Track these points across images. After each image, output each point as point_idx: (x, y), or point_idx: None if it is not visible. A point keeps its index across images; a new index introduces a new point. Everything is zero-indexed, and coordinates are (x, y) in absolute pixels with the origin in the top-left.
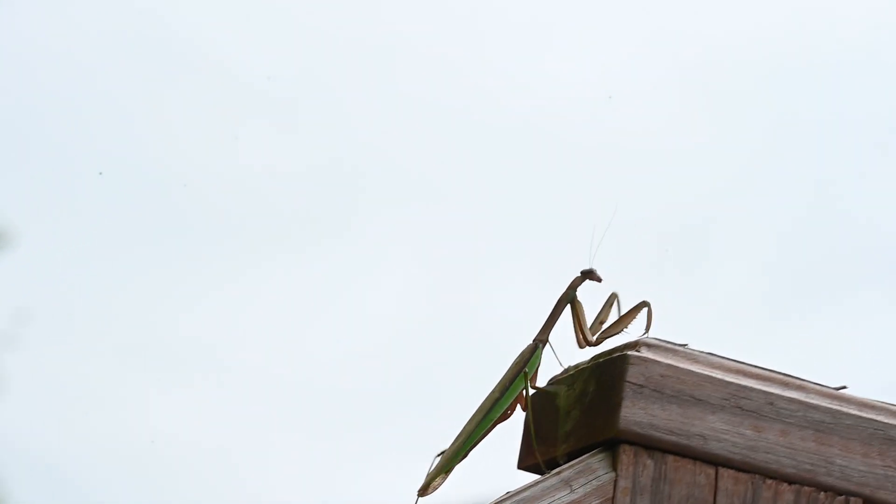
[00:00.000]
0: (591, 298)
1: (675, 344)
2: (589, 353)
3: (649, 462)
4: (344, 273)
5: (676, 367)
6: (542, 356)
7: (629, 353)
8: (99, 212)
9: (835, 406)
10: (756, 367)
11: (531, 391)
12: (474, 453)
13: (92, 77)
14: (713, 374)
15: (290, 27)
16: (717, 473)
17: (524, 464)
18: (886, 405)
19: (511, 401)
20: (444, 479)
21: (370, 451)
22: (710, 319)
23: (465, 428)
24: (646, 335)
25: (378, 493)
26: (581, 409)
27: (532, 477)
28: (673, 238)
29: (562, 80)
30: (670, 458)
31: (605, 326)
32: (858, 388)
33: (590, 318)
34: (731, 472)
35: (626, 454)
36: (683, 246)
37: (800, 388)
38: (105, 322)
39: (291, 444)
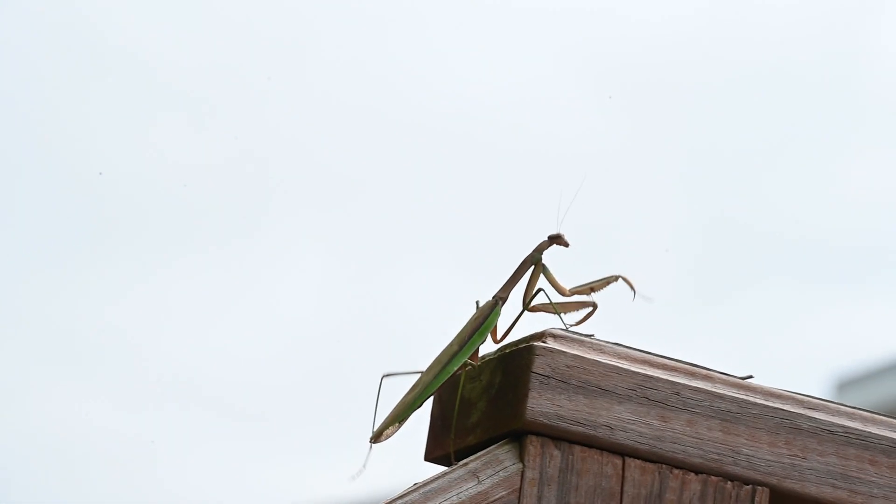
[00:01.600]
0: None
1: (582, 335)
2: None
3: (556, 453)
4: (257, 268)
5: (583, 358)
6: (501, 313)
7: (535, 343)
8: (9, 207)
9: (741, 395)
10: (662, 357)
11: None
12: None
13: (5, 71)
14: (619, 365)
15: (202, 24)
16: (624, 463)
17: (431, 455)
18: (792, 394)
19: (469, 355)
20: (398, 428)
21: (285, 444)
22: (617, 310)
23: (421, 378)
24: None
25: (292, 485)
26: (488, 400)
27: (439, 468)
28: (584, 230)
29: (468, 78)
30: (577, 448)
31: (571, 292)
32: (764, 378)
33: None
34: (638, 462)
35: (533, 445)
36: (594, 240)
37: (706, 377)
38: (16, 316)
39: (207, 437)
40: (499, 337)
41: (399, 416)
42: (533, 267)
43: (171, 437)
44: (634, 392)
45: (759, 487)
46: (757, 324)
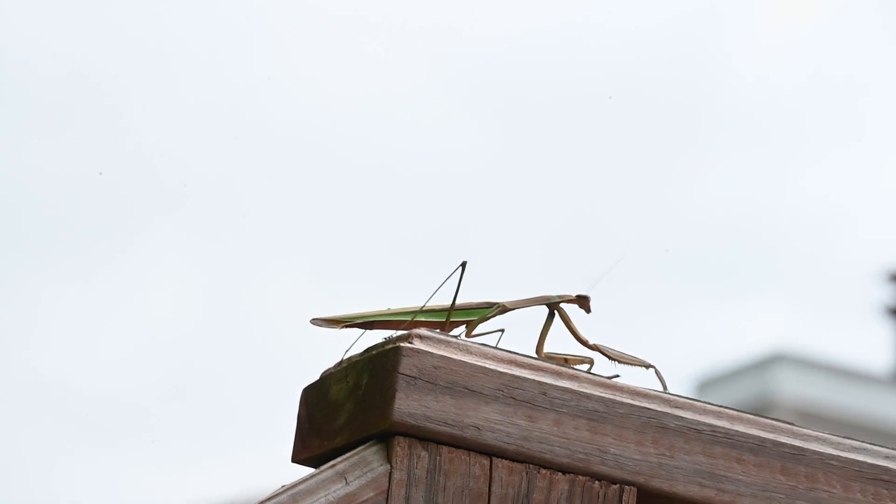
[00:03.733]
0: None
1: (449, 335)
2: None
3: (424, 454)
4: (123, 281)
5: (450, 359)
6: (494, 319)
7: (402, 344)
8: None
9: (608, 395)
10: (529, 357)
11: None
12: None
13: None
14: (486, 365)
15: (61, 29)
16: (491, 464)
17: (298, 457)
18: (659, 393)
19: (434, 319)
20: (334, 326)
21: (155, 451)
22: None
23: (380, 311)
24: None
25: (162, 490)
26: (355, 401)
27: (307, 470)
28: (436, 236)
29: (329, 89)
30: (445, 449)
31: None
32: (630, 378)
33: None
34: (506, 462)
35: (400, 446)
36: (447, 245)
37: (573, 377)
38: None
39: (74, 446)
40: (472, 332)
41: (345, 319)
42: (550, 312)
43: (37, 448)
44: (501, 392)
45: (627, 486)
46: (622, 325)
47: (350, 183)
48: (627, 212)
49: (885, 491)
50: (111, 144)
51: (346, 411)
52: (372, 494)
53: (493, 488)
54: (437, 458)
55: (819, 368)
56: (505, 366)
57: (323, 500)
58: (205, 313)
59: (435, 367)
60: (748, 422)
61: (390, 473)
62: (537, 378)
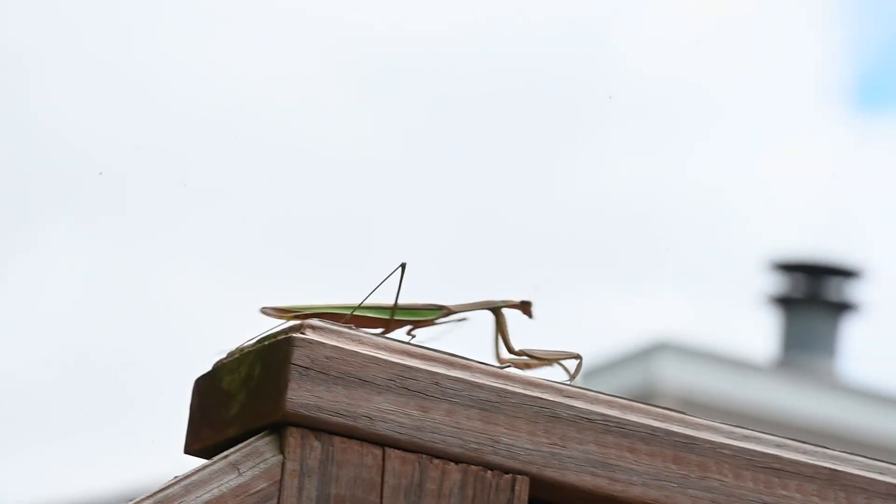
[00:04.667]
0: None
1: (341, 326)
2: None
3: (317, 444)
4: (22, 278)
5: (342, 349)
6: (436, 324)
7: (294, 335)
8: None
9: (500, 385)
10: (421, 347)
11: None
12: None
13: None
14: (378, 355)
15: None
16: (384, 454)
17: (190, 448)
18: (551, 383)
19: (380, 316)
20: (283, 316)
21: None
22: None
23: (330, 304)
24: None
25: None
26: (247, 392)
27: (199, 462)
28: (330, 225)
29: (230, 73)
30: (337, 439)
31: (530, 353)
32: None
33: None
34: (399, 452)
35: (293, 437)
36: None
37: (465, 367)
38: None
39: None
40: (416, 332)
41: (294, 309)
42: (494, 315)
43: None
44: (394, 382)
45: (519, 476)
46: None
47: (259, 169)
48: (520, 200)
49: (777, 479)
50: (14, 127)
51: (239, 402)
52: (265, 485)
53: (385, 478)
54: (330, 448)
55: (703, 357)
56: (397, 356)
57: (216, 490)
58: (101, 302)
59: (327, 358)
60: (640, 411)
61: (283, 464)
62: (430, 368)
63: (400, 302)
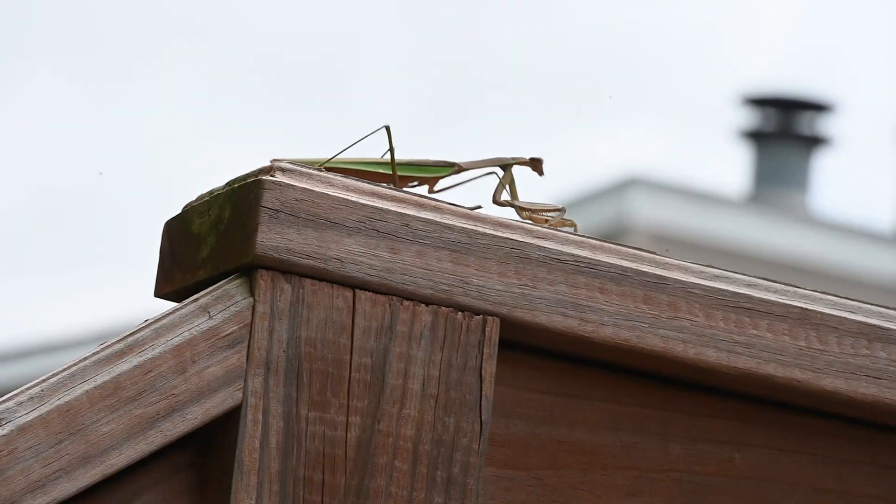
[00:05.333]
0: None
1: (310, 168)
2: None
3: (287, 287)
4: (2, 121)
5: (311, 191)
6: (449, 179)
7: (264, 177)
8: None
9: (470, 226)
10: (391, 188)
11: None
12: None
13: None
14: (348, 197)
15: None
16: (354, 296)
17: (161, 292)
18: (521, 224)
19: (385, 172)
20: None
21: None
22: (347, 139)
23: (341, 158)
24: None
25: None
26: (217, 234)
27: (170, 305)
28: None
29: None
30: (308, 282)
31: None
32: (492, 209)
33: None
34: (369, 294)
35: (263, 279)
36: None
37: (435, 208)
38: None
39: None
40: (433, 189)
41: (314, 162)
42: (504, 171)
43: None
44: (364, 224)
45: (490, 317)
46: (486, 144)
47: (240, 14)
48: (500, 35)
49: (748, 319)
50: None
51: (209, 245)
52: (235, 328)
53: (356, 320)
54: (301, 291)
55: (674, 192)
56: (367, 198)
57: (186, 334)
58: (77, 143)
59: (297, 200)
60: (610, 251)
61: (254, 307)
62: (400, 210)
63: (411, 158)
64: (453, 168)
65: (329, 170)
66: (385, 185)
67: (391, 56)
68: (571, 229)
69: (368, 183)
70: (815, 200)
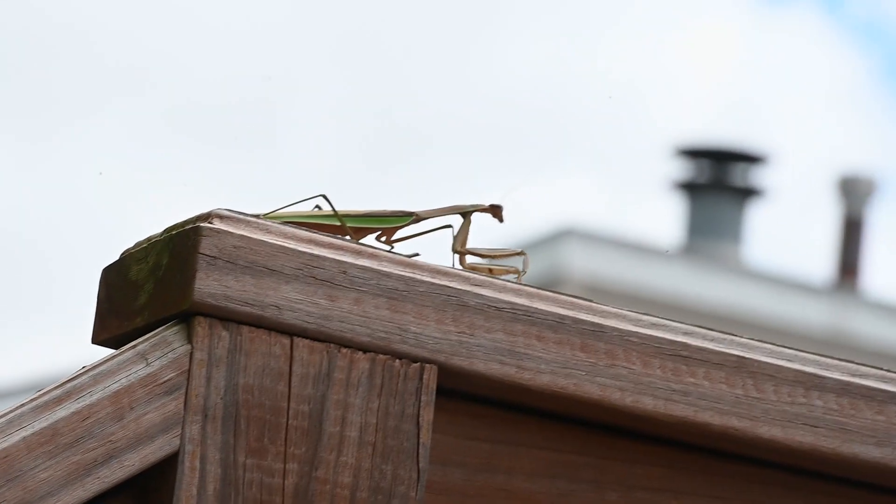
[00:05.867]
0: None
1: (248, 215)
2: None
3: (225, 334)
4: None
5: (249, 238)
6: (407, 228)
7: (202, 224)
8: None
9: (407, 273)
10: (329, 236)
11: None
12: None
13: None
14: (286, 245)
15: None
16: (292, 343)
17: (98, 338)
18: (459, 271)
19: (356, 224)
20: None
21: None
22: (283, 188)
23: (302, 212)
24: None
25: None
26: (155, 281)
27: (108, 351)
28: (236, 112)
29: None
30: (246, 329)
31: (482, 254)
32: (429, 255)
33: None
34: (307, 341)
35: (201, 326)
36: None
37: (372, 256)
38: None
39: None
40: (392, 238)
41: (278, 217)
42: (463, 219)
43: None
44: (301, 271)
45: (428, 365)
46: (419, 196)
47: (173, 58)
48: (432, 87)
49: (685, 367)
50: None
51: (147, 291)
52: (173, 375)
53: (294, 367)
54: (238, 337)
55: (609, 243)
56: (305, 245)
57: (124, 380)
58: (17, 189)
59: (235, 247)
60: (547, 299)
61: (191, 354)
62: (337, 257)
63: (369, 209)
64: (412, 217)
65: (291, 223)
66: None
67: (325, 104)
68: (522, 258)
69: (306, 230)
70: (747, 251)
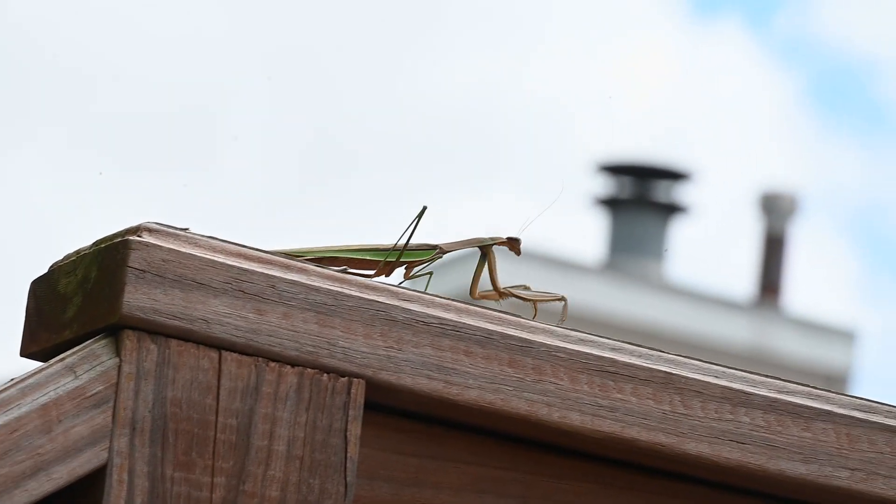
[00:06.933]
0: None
1: (177, 228)
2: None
3: (153, 347)
4: None
5: (178, 252)
6: (434, 264)
7: (130, 238)
8: None
9: (336, 287)
10: (258, 250)
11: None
12: None
13: None
14: (215, 258)
15: None
16: (220, 357)
17: (27, 351)
18: (387, 286)
19: (377, 258)
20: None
21: None
22: (218, 205)
23: (328, 247)
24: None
25: None
26: (84, 294)
27: (36, 364)
28: (177, 123)
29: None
30: (174, 342)
31: (518, 292)
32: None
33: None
34: (235, 355)
35: (129, 340)
36: (188, 136)
37: (301, 270)
38: None
39: None
40: (411, 273)
41: (303, 253)
42: (483, 253)
43: None
44: (230, 285)
45: (355, 379)
46: (350, 213)
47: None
48: (363, 105)
49: (612, 382)
50: None
51: (76, 304)
52: (101, 388)
53: (222, 381)
54: (167, 351)
55: (531, 259)
56: (233, 259)
57: (52, 393)
58: None
59: (164, 261)
60: (476, 314)
61: (119, 367)
62: (266, 271)
63: (394, 242)
64: (436, 251)
65: (315, 260)
66: (273, 251)
67: (258, 119)
68: (562, 304)
69: (234, 244)
70: (670, 268)
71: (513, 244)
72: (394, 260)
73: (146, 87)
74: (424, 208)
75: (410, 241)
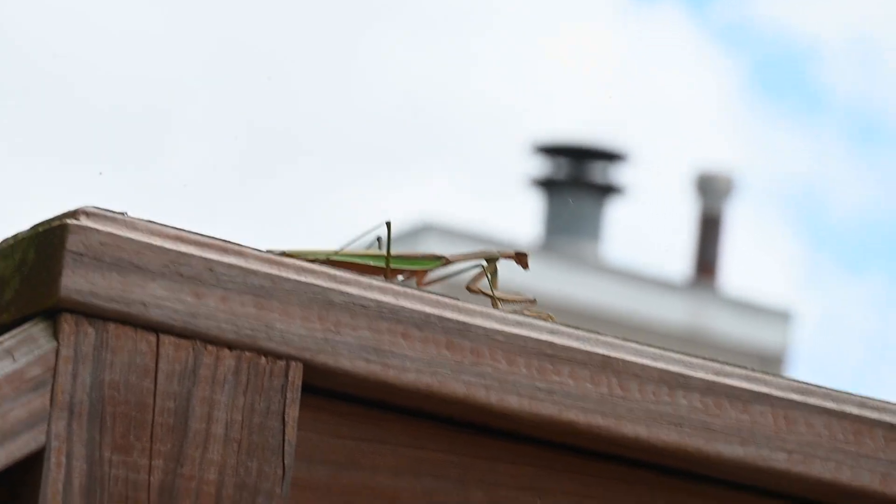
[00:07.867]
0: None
1: (115, 212)
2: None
3: (91, 330)
4: None
5: (116, 235)
6: (434, 271)
7: (68, 221)
8: None
9: (273, 271)
10: (195, 233)
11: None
12: None
13: None
14: (152, 242)
15: None
16: (158, 340)
17: None
18: (324, 269)
19: (378, 265)
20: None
21: None
22: (157, 189)
23: (331, 251)
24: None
25: None
26: (21, 278)
27: None
28: (129, 121)
29: None
30: (112, 325)
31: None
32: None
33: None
34: (173, 338)
35: (67, 323)
36: (140, 130)
37: (239, 253)
38: None
39: None
40: (422, 283)
41: (307, 255)
42: (487, 264)
43: None
44: (168, 269)
45: (293, 362)
46: (289, 201)
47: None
48: (300, 94)
49: (550, 365)
50: None
51: (13, 288)
52: (39, 371)
53: (160, 364)
54: (104, 334)
55: (467, 239)
56: (171, 242)
57: None
58: None
59: (102, 244)
60: (413, 297)
61: (57, 350)
62: (204, 255)
63: (401, 251)
64: (441, 261)
65: (330, 262)
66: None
67: (200, 114)
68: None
69: (173, 227)
70: (607, 249)
71: (520, 258)
72: (401, 267)
73: (91, 80)
74: (389, 223)
75: (416, 251)
